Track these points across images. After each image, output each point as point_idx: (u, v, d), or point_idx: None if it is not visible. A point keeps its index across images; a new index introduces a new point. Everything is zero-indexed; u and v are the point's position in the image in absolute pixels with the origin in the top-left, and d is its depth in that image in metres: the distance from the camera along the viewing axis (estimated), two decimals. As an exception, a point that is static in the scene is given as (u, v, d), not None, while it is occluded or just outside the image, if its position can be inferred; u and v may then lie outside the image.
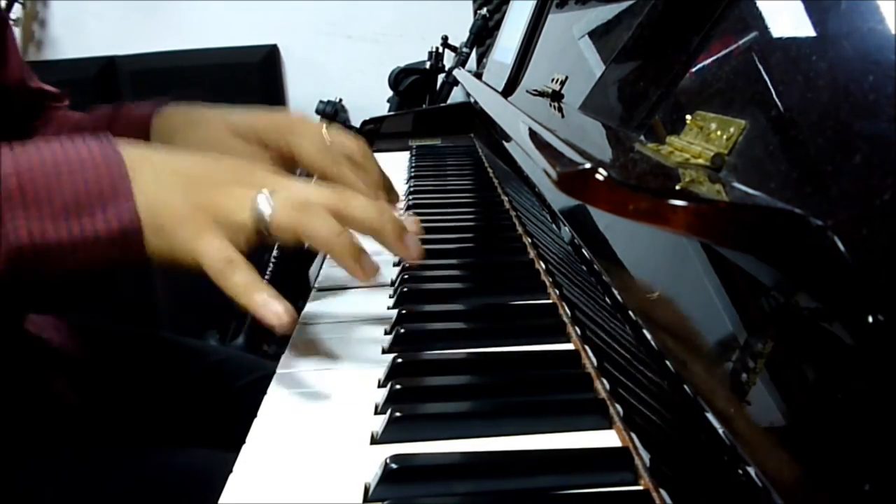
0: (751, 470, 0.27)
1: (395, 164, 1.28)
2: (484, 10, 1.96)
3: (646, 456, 0.37)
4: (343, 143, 0.67)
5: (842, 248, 0.25)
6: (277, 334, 0.48)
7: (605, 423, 0.42)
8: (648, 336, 0.40)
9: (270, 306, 0.47)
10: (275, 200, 0.49)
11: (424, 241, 0.76)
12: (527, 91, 0.91)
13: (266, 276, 1.86)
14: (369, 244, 0.52)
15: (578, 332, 0.52)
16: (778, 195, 0.30)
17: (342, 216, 0.50)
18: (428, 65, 2.02)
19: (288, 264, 1.93)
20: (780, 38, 0.37)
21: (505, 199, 0.95)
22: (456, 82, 1.94)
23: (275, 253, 1.94)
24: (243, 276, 0.47)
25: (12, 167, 0.47)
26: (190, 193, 0.49)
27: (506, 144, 0.96)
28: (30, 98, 0.80)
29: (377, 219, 0.51)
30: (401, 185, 1.10)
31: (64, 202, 0.47)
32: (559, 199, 0.64)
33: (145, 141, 0.69)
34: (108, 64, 2.16)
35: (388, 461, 0.37)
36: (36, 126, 0.81)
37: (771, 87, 0.35)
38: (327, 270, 0.73)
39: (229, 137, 0.68)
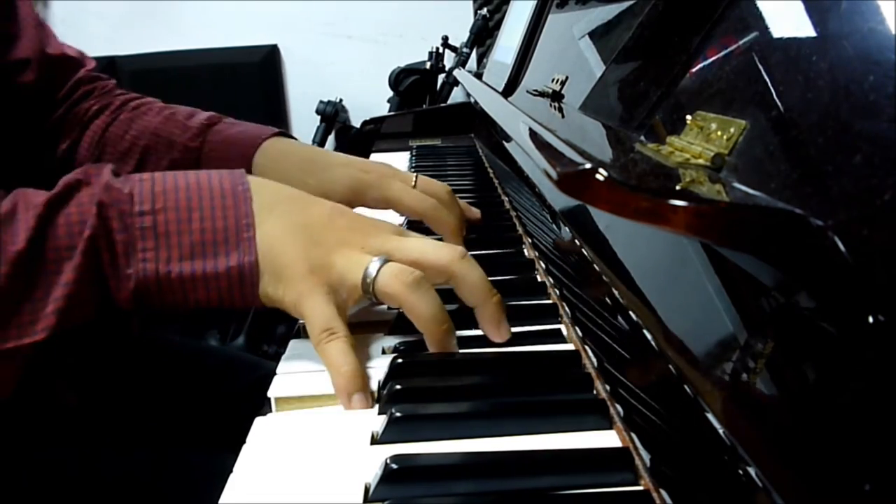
0: (751, 470, 0.27)
1: (396, 165, 1.27)
2: (484, 10, 1.96)
3: (646, 456, 0.37)
4: (431, 187, 0.71)
5: (842, 248, 0.25)
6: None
7: (606, 424, 0.42)
8: (648, 336, 0.40)
9: (351, 390, 0.46)
10: (384, 268, 0.49)
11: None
12: (527, 91, 0.91)
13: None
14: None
15: (578, 332, 0.52)
16: (778, 195, 0.30)
17: (452, 278, 0.52)
18: (428, 65, 2.02)
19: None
20: (780, 38, 0.37)
21: (505, 199, 0.95)
22: (456, 82, 1.94)
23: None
24: (335, 351, 0.47)
25: (148, 203, 0.49)
26: (309, 250, 0.50)
27: (506, 144, 0.96)
28: (50, 68, 0.78)
29: (483, 295, 0.52)
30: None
31: (191, 242, 0.49)
32: (559, 199, 0.64)
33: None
34: (108, 64, 2.17)
35: (388, 461, 0.37)
36: (61, 97, 0.80)
37: (771, 87, 0.35)
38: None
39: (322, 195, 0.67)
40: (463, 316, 0.52)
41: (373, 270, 0.49)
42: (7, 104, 0.73)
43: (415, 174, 0.73)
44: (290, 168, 0.73)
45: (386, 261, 0.50)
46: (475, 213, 0.79)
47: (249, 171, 0.68)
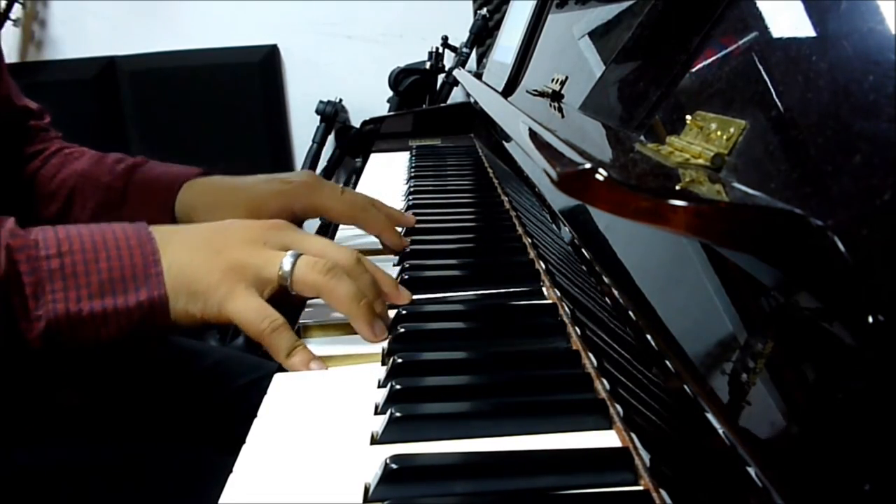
0: (751, 470, 0.27)
1: (395, 164, 1.28)
2: (484, 10, 1.96)
3: (646, 456, 0.37)
4: (357, 195, 0.76)
5: (842, 248, 0.25)
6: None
7: (606, 424, 0.42)
8: (648, 336, 0.40)
9: (312, 366, 0.51)
10: (298, 261, 0.53)
11: (425, 241, 0.76)
12: (527, 91, 0.91)
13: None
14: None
15: (578, 332, 0.52)
16: (778, 195, 0.30)
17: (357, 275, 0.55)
18: (428, 65, 2.02)
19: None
20: (780, 38, 0.37)
21: (505, 199, 0.95)
22: (456, 82, 1.94)
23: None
24: (285, 340, 0.51)
25: (54, 248, 0.51)
26: (216, 259, 0.53)
27: (506, 144, 0.96)
28: (14, 117, 0.81)
29: (384, 283, 0.58)
30: (401, 185, 1.10)
31: (100, 281, 0.51)
32: (559, 199, 0.64)
33: (168, 210, 0.75)
34: (108, 64, 2.17)
35: (388, 461, 0.37)
36: (20, 145, 0.82)
37: (771, 87, 0.35)
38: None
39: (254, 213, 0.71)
40: (464, 326, 0.52)
41: (287, 264, 0.53)
42: None
43: (341, 186, 0.78)
44: (217, 198, 0.76)
45: (297, 255, 0.53)
46: (409, 219, 0.81)
47: (173, 209, 0.74)
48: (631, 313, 0.43)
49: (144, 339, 0.54)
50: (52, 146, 0.85)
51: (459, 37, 1.99)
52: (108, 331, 0.51)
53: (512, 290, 0.63)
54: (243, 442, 0.42)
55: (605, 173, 0.34)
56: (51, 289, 0.50)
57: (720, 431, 0.30)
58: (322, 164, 2.07)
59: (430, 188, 1.03)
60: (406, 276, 0.64)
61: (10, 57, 2.12)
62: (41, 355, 0.51)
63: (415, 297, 0.60)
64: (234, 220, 0.59)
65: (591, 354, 0.48)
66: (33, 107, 0.85)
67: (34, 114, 0.85)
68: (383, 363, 0.52)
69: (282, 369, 0.51)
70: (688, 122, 0.40)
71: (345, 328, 0.55)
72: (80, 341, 0.51)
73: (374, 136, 1.50)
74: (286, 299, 0.54)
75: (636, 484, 0.37)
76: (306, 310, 0.61)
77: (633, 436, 0.39)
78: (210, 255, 0.53)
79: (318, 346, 0.54)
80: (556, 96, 0.73)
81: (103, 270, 0.51)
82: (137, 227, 0.55)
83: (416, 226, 0.82)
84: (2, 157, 0.81)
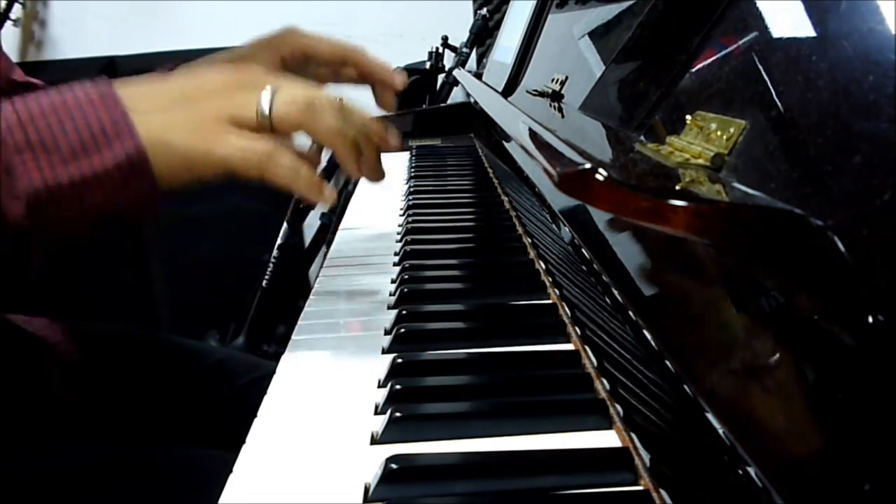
0: (751, 470, 0.27)
1: (395, 164, 1.28)
2: (484, 10, 1.96)
3: (646, 456, 0.37)
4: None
5: (842, 248, 0.25)
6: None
7: (606, 424, 0.42)
8: (648, 336, 0.40)
9: (326, 191, 0.52)
10: (276, 97, 0.51)
11: (425, 241, 0.76)
12: (527, 91, 0.91)
13: (266, 277, 1.86)
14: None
15: (578, 332, 0.52)
16: (778, 195, 0.30)
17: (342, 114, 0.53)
18: (428, 65, 2.02)
19: (288, 264, 1.93)
20: (780, 38, 0.37)
21: (505, 199, 0.95)
22: (456, 82, 1.94)
23: (275, 253, 1.94)
24: (285, 163, 0.50)
25: (15, 119, 0.48)
26: (192, 106, 0.51)
27: (506, 144, 0.96)
28: (16, 92, 0.80)
29: (372, 128, 0.56)
30: (401, 185, 1.10)
31: (70, 144, 0.48)
32: (559, 199, 0.64)
33: None
34: (108, 64, 2.16)
35: (388, 461, 0.37)
36: None
37: (771, 87, 0.35)
38: (327, 272, 0.73)
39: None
40: (464, 326, 0.52)
41: (265, 101, 0.51)
42: None
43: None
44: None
45: (276, 90, 0.51)
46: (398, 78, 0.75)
47: None
48: (631, 313, 0.43)
49: (135, 209, 0.51)
50: None
51: (459, 37, 1.99)
52: (93, 199, 0.48)
53: (512, 289, 0.63)
54: (243, 442, 0.42)
55: (605, 173, 0.34)
56: (20, 161, 0.47)
57: (720, 431, 0.30)
58: (322, 163, 2.07)
59: (430, 188, 1.03)
60: (406, 276, 0.64)
61: (11, 57, 2.12)
62: (31, 233, 0.48)
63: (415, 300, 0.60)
64: (205, 68, 0.56)
65: (591, 354, 0.48)
66: (37, 83, 0.84)
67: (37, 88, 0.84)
68: (384, 352, 0.52)
69: (281, 369, 0.51)
70: (688, 122, 0.40)
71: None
72: (66, 214, 0.48)
73: (374, 135, 1.49)
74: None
75: (636, 484, 0.37)
76: (307, 310, 0.61)
77: (633, 436, 0.39)
78: (185, 108, 0.51)
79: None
80: (556, 96, 0.73)
81: (70, 132, 0.48)
82: (99, 86, 0.51)
83: (416, 226, 0.82)
84: None
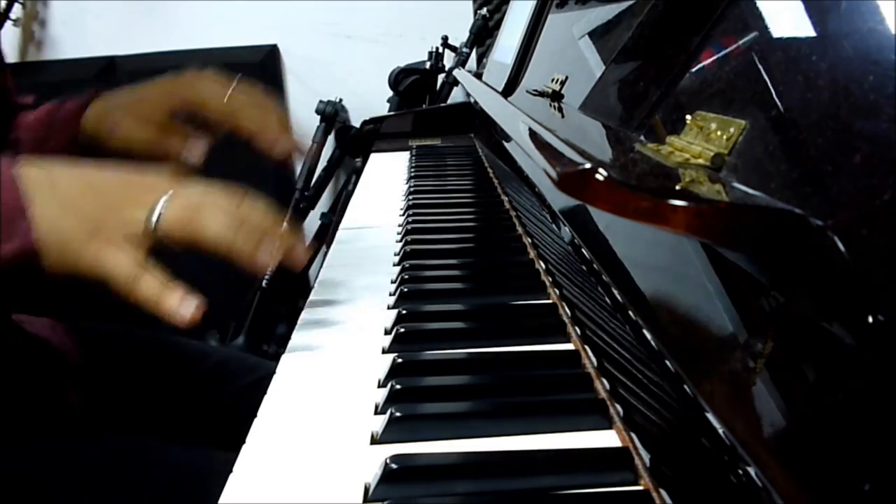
0: (751, 470, 0.27)
1: (396, 164, 1.28)
2: (484, 10, 1.96)
3: (646, 456, 0.37)
4: (245, 90, 0.73)
5: (842, 248, 0.25)
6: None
7: (605, 424, 0.42)
8: (648, 336, 0.40)
9: (183, 307, 0.51)
10: (166, 209, 0.52)
11: (425, 241, 0.76)
12: (527, 91, 0.91)
13: (266, 277, 1.86)
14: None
15: (578, 332, 0.52)
16: (778, 195, 0.30)
17: (237, 217, 0.53)
18: (428, 65, 2.02)
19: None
20: (780, 38, 0.37)
21: (505, 199, 0.95)
22: (456, 82, 1.94)
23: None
24: (148, 285, 0.51)
25: None
26: (89, 213, 0.52)
27: (506, 144, 0.96)
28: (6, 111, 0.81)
29: (272, 230, 0.54)
30: (401, 185, 1.10)
31: None
32: (559, 199, 0.64)
33: (78, 135, 0.75)
34: (108, 64, 2.16)
35: (388, 461, 0.37)
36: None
37: (771, 87, 0.35)
38: (327, 272, 0.73)
39: (141, 125, 0.73)
40: (464, 326, 0.52)
41: (154, 216, 0.52)
42: None
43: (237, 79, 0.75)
44: (106, 120, 0.76)
45: (165, 202, 0.52)
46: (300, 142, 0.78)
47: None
48: (631, 313, 0.43)
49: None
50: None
51: (459, 37, 1.99)
52: None
53: (511, 289, 0.63)
54: (244, 442, 0.42)
55: (605, 173, 0.34)
56: None
57: (720, 431, 0.30)
58: (322, 163, 2.07)
59: (430, 188, 1.03)
60: (406, 276, 0.64)
61: (11, 57, 2.12)
62: None
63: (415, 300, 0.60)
64: (111, 174, 0.56)
65: (591, 354, 0.48)
66: (26, 103, 0.85)
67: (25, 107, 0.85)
68: (384, 352, 0.52)
69: (281, 369, 0.51)
70: (688, 122, 0.40)
71: None
72: None
73: (374, 136, 1.49)
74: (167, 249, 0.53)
75: (636, 484, 0.37)
76: (307, 310, 0.61)
77: (633, 435, 0.39)
78: (80, 212, 0.52)
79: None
80: (556, 96, 0.73)
81: None
82: (4, 169, 0.53)
83: (417, 226, 0.82)
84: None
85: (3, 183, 0.52)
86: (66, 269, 0.52)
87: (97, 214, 0.52)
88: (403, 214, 0.91)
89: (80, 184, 0.54)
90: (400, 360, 0.48)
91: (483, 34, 1.94)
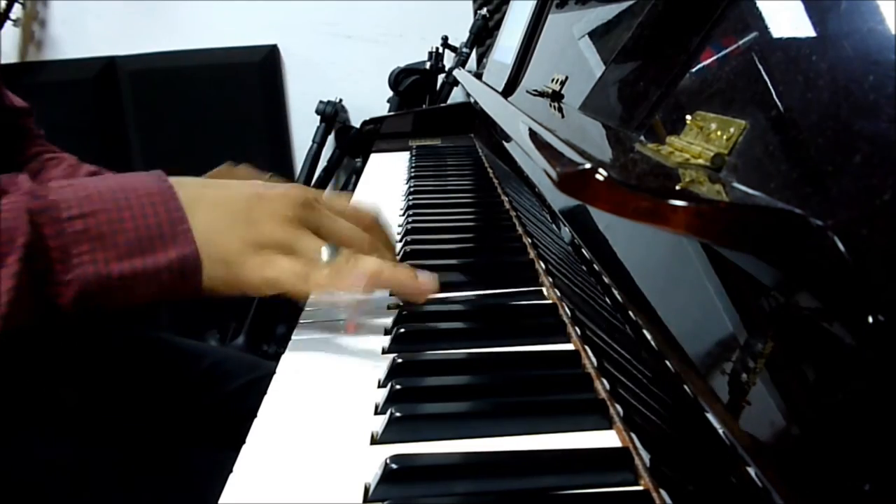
0: (751, 470, 0.27)
1: (396, 164, 1.28)
2: (484, 10, 1.96)
3: (646, 456, 0.37)
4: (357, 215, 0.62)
5: (842, 248, 0.25)
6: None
7: (606, 424, 0.42)
8: (648, 336, 0.40)
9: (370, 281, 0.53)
10: (332, 261, 0.52)
11: (424, 241, 0.76)
12: (527, 91, 0.91)
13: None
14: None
15: (578, 332, 0.52)
16: (778, 195, 0.30)
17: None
18: (428, 65, 2.02)
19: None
20: (780, 38, 0.37)
21: (505, 199, 0.95)
22: (456, 82, 1.94)
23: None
24: (321, 275, 0.52)
25: (77, 208, 0.49)
26: (252, 229, 0.52)
27: (506, 144, 0.96)
28: (6, 117, 0.81)
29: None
30: (401, 185, 1.10)
31: (127, 241, 0.49)
32: (559, 199, 0.64)
33: None
34: (108, 64, 2.16)
35: (388, 461, 0.37)
36: (13, 144, 0.82)
37: (771, 87, 0.35)
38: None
39: None
40: (464, 326, 0.52)
41: (325, 256, 0.53)
42: None
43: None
44: None
45: (333, 250, 0.53)
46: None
47: None
48: (631, 313, 0.43)
49: (176, 300, 0.53)
50: (30, 150, 0.84)
51: (459, 37, 1.99)
52: (139, 293, 0.50)
53: (512, 289, 0.63)
54: (243, 442, 0.42)
55: (605, 173, 0.34)
56: (77, 252, 0.48)
57: (720, 431, 0.30)
58: (322, 164, 2.07)
59: (430, 188, 1.03)
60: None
61: (11, 57, 2.12)
62: (73, 318, 0.49)
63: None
64: (263, 186, 0.56)
65: (591, 354, 0.48)
66: (21, 106, 0.85)
67: (24, 112, 0.85)
68: (384, 352, 0.52)
69: (281, 369, 0.51)
70: (688, 122, 0.40)
71: None
72: (112, 304, 0.50)
73: (374, 136, 1.49)
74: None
75: (636, 484, 0.37)
76: (306, 310, 0.61)
77: (633, 436, 0.39)
78: (244, 226, 0.52)
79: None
80: (556, 96, 0.73)
81: (129, 230, 0.49)
82: (158, 181, 0.52)
83: (417, 226, 0.82)
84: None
85: (161, 198, 0.51)
86: (226, 282, 0.51)
87: (261, 231, 0.52)
88: (403, 214, 0.91)
89: (241, 195, 0.54)
90: (400, 361, 0.48)
91: (483, 34, 1.94)
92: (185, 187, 0.53)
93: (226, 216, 0.52)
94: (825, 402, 0.25)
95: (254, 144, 2.19)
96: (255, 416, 0.45)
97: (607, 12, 0.72)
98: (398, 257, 0.72)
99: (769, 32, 0.38)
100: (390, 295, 0.60)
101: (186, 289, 0.51)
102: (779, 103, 0.34)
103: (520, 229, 0.80)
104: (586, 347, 0.49)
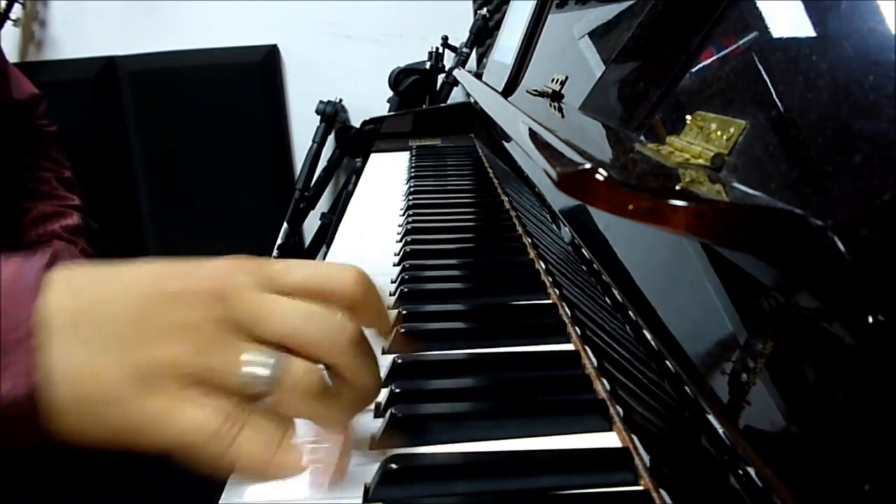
0: (751, 470, 0.27)
1: (396, 165, 1.28)
2: (484, 10, 1.96)
3: (646, 456, 0.37)
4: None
5: (842, 248, 0.25)
6: None
7: (606, 424, 0.42)
8: (648, 336, 0.40)
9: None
10: (284, 377, 0.35)
11: (424, 241, 0.76)
12: (527, 91, 0.91)
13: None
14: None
15: (578, 332, 0.52)
16: (778, 195, 0.30)
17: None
18: (428, 65, 2.02)
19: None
20: (780, 38, 0.37)
21: (505, 199, 0.95)
22: (456, 82, 1.94)
23: (275, 253, 1.94)
24: (246, 446, 0.35)
25: None
26: (129, 354, 0.35)
27: (506, 144, 0.96)
28: (10, 114, 0.81)
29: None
30: (401, 185, 1.10)
31: None
32: (559, 199, 0.64)
33: None
34: (108, 64, 2.16)
35: (387, 461, 0.37)
36: (14, 140, 0.82)
37: (771, 87, 0.35)
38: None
39: None
40: (464, 326, 0.52)
41: (263, 371, 0.35)
42: None
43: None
44: None
45: (277, 358, 0.35)
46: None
47: None
48: (631, 313, 0.43)
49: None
50: (43, 187, 0.83)
51: (459, 37, 1.99)
52: None
53: (512, 290, 0.63)
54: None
55: (605, 173, 0.34)
56: None
57: (720, 431, 0.30)
58: (322, 164, 2.08)
59: (430, 188, 1.03)
60: (406, 276, 0.64)
61: (11, 57, 2.11)
62: None
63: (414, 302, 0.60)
64: (174, 274, 0.37)
65: (591, 354, 0.48)
66: (26, 93, 0.85)
67: (29, 108, 0.85)
68: (384, 352, 0.52)
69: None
70: (688, 122, 0.40)
71: None
72: None
73: (374, 136, 1.50)
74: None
75: (636, 484, 0.37)
76: None
77: (633, 436, 0.39)
78: (129, 346, 0.35)
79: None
80: (556, 96, 0.73)
81: None
82: (30, 273, 0.36)
83: (417, 226, 0.82)
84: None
85: (10, 288, 0.35)
86: (96, 433, 0.35)
87: (152, 355, 0.35)
88: (403, 214, 0.91)
89: (131, 303, 0.36)
90: (400, 361, 0.48)
91: (483, 34, 1.94)
92: (58, 290, 0.36)
93: (107, 332, 0.35)
94: (825, 402, 0.25)
95: (254, 144, 2.19)
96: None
97: (607, 12, 0.72)
98: (398, 257, 0.72)
99: (769, 32, 0.38)
100: (391, 295, 0.60)
101: (19, 435, 0.35)
102: (779, 103, 0.34)
103: (520, 229, 0.80)
104: (586, 347, 0.49)
